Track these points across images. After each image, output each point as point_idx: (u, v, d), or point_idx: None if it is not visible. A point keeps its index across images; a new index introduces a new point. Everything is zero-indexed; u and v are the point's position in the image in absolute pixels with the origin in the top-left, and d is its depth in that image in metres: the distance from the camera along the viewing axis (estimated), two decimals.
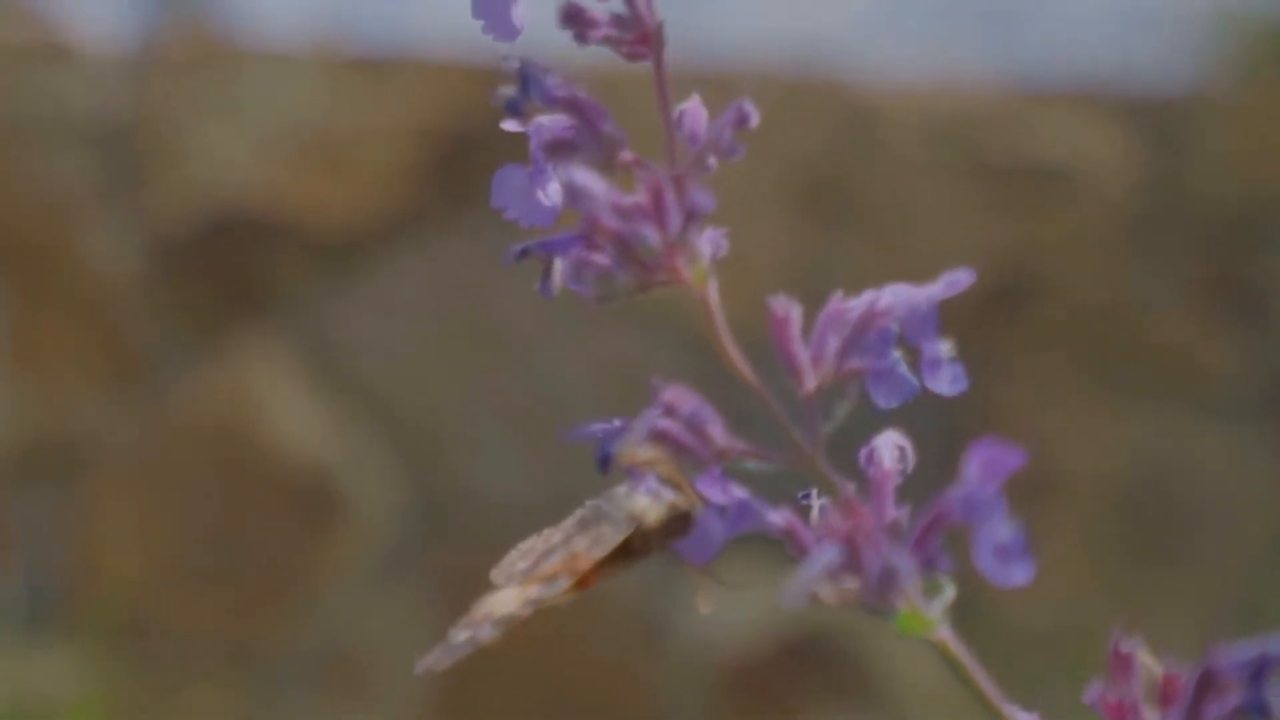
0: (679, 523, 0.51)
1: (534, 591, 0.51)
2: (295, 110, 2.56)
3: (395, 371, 2.54)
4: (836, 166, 2.60)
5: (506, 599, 0.51)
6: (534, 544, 0.53)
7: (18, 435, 2.49)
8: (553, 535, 0.53)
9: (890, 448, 0.52)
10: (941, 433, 2.51)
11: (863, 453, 0.52)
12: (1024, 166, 2.61)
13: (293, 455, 2.50)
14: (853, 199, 2.59)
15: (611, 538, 0.51)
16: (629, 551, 0.51)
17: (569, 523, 0.53)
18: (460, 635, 0.51)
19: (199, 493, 2.49)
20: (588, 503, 0.53)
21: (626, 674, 2.44)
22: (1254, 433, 2.60)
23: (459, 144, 2.56)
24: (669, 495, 0.51)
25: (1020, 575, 0.46)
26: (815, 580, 0.47)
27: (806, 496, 0.52)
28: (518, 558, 0.53)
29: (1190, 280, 2.61)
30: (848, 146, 2.60)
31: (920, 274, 2.22)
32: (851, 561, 0.48)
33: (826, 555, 0.47)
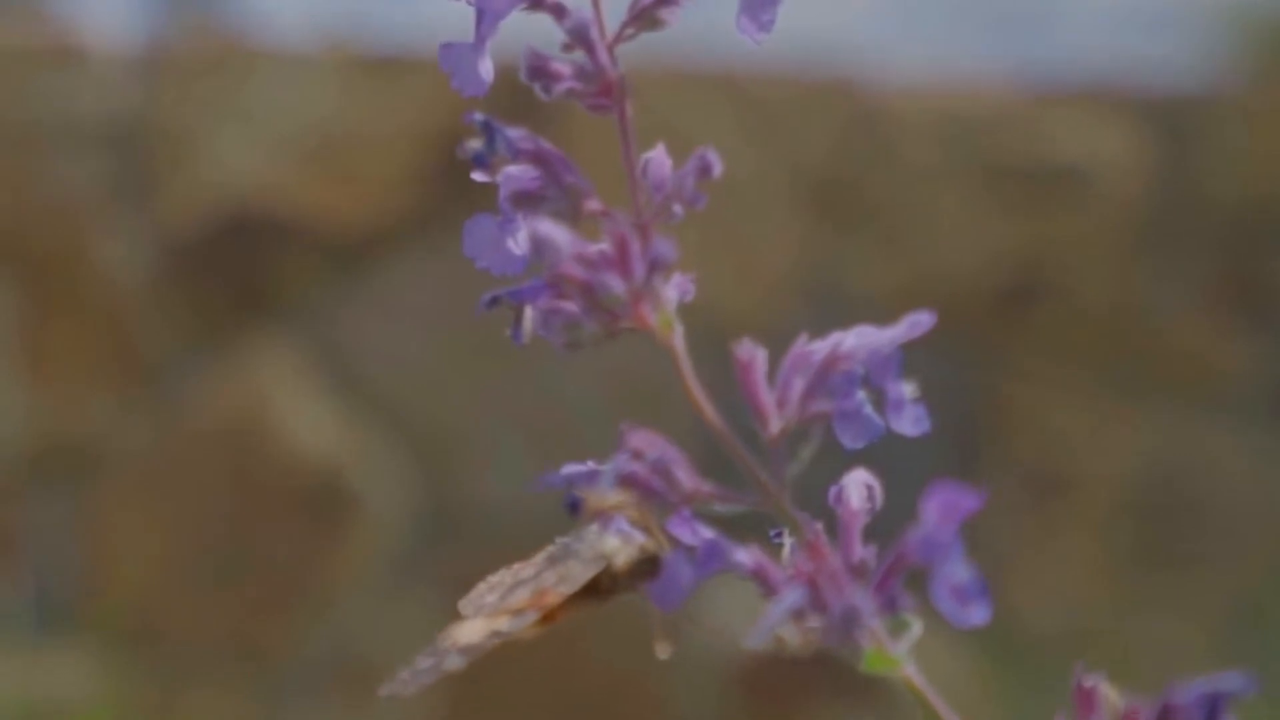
0: (647, 566, 0.51)
1: (501, 624, 0.52)
2: (306, 112, 2.57)
3: (406, 375, 2.54)
4: (847, 167, 2.60)
5: (473, 630, 0.52)
6: (503, 578, 0.54)
7: (29, 439, 2.50)
8: (522, 571, 0.54)
9: (858, 487, 0.52)
10: (956, 433, 2.51)
11: (832, 492, 0.52)
12: (1036, 167, 2.61)
13: (303, 459, 2.51)
14: (863, 199, 2.59)
15: (580, 575, 0.51)
16: (596, 590, 0.52)
17: (539, 558, 0.54)
18: (425, 662, 0.52)
19: (209, 496, 2.50)
20: (558, 540, 0.54)
21: (636, 678, 2.45)
22: (1266, 435, 2.60)
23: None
24: (639, 538, 0.51)
25: (977, 616, 0.47)
26: (779, 623, 0.48)
27: (779, 535, 0.52)
28: (486, 591, 0.54)
29: (1203, 281, 2.61)
30: (858, 147, 2.60)
31: (931, 273, 2.22)
32: (815, 603, 0.49)
33: (789, 599, 0.48)
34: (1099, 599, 2.55)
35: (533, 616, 0.52)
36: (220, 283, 2.54)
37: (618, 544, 0.51)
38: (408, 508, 2.51)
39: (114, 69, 2.56)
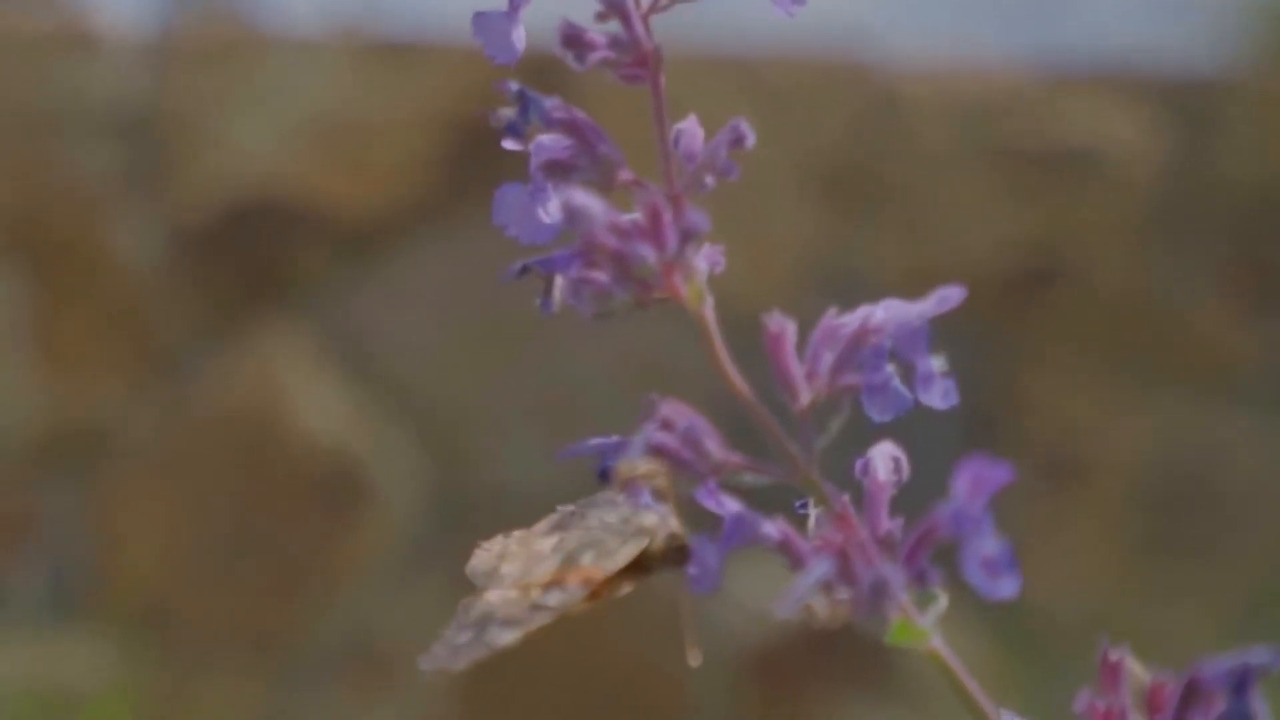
0: (677, 553, 0.51)
1: (539, 596, 0.51)
2: (318, 98, 2.57)
3: (419, 360, 2.55)
4: (861, 151, 2.60)
5: (508, 602, 0.52)
6: (505, 546, 0.54)
7: (42, 425, 2.50)
8: (532, 541, 0.53)
9: (885, 459, 0.52)
10: (969, 419, 2.51)
11: (858, 464, 0.53)
12: (1050, 151, 2.60)
13: (316, 444, 2.51)
14: (877, 183, 2.59)
15: (621, 551, 0.51)
16: (638, 568, 0.52)
17: (540, 526, 0.54)
18: (461, 636, 0.51)
19: (222, 482, 2.50)
20: (559, 508, 0.54)
21: (651, 664, 2.45)
22: None
23: (482, 132, 2.56)
24: (673, 522, 0.51)
25: (1007, 588, 0.47)
26: (808, 593, 0.48)
27: (804, 506, 0.52)
28: (496, 559, 0.53)
29: (1217, 265, 2.60)
30: (873, 131, 2.60)
31: (945, 259, 2.22)
32: (844, 574, 0.49)
33: (819, 569, 0.48)
34: (1112, 586, 2.55)
35: (580, 592, 0.51)
36: (233, 269, 2.55)
37: (656, 520, 0.51)
38: (421, 493, 2.52)
39: (126, 56, 2.56)
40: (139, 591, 2.48)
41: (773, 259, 2.51)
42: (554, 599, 0.51)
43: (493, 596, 0.52)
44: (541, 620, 0.52)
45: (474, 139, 2.56)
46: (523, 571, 0.53)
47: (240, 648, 2.47)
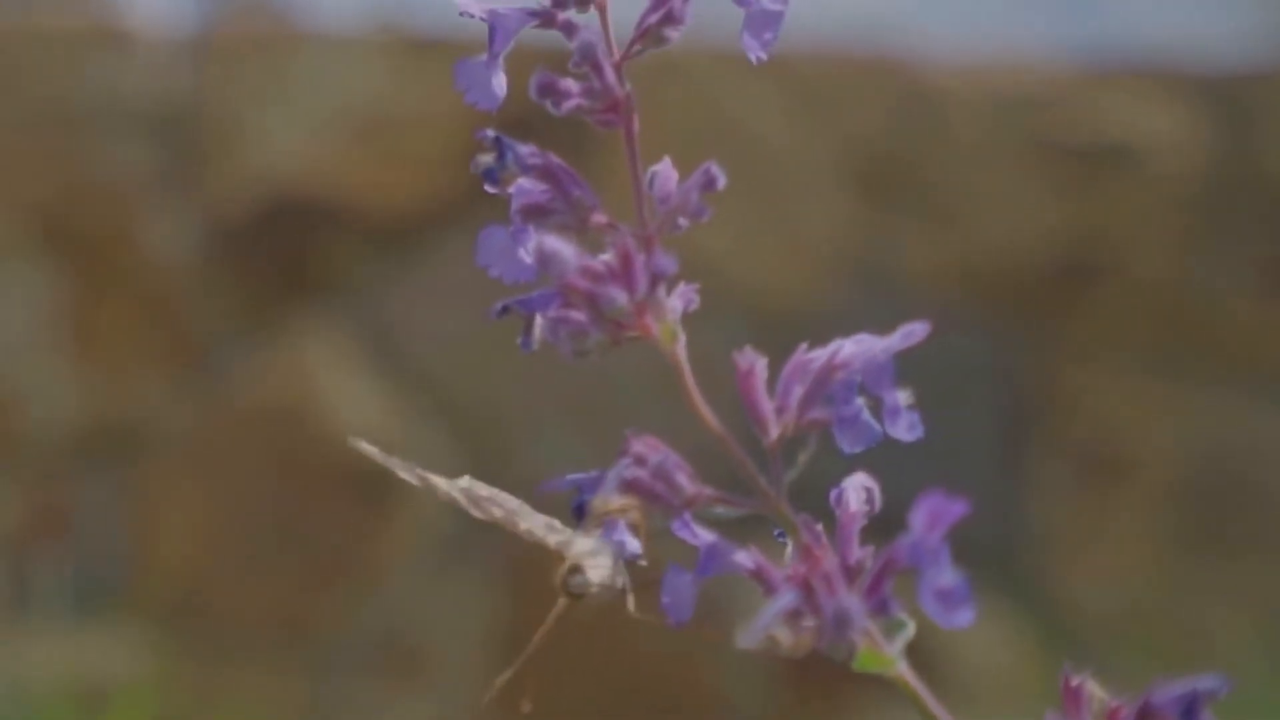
0: (573, 582, 0.53)
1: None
2: (352, 95, 2.58)
3: (452, 356, 2.56)
4: (898, 145, 2.59)
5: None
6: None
7: (78, 419, 2.52)
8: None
9: (857, 490, 0.54)
10: (1007, 414, 2.51)
11: (832, 494, 0.54)
12: (1089, 145, 2.59)
13: (349, 439, 2.52)
14: (914, 177, 2.59)
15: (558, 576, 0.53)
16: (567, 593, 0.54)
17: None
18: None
19: (256, 476, 2.52)
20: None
21: (686, 663, 2.46)
22: None
23: (516, 127, 2.56)
24: (606, 563, 0.53)
25: (961, 618, 0.49)
26: (771, 624, 0.49)
27: (783, 534, 0.54)
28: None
29: (1258, 260, 2.59)
30: (909, 125, 2.59)
31: (981, 253, 2.21)
32: (809, 605, 0.50)
33: (780, 601, 0.49)
34: (1151, 581, 2.54)
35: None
36: (267, 264, 2.56)
37: (589, 547, 0.53)
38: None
39: (162, 52, 2.57)
40: (173, 584, 2.50)
41: (809, 252, 2.51)
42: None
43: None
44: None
45: (508, 134, 2.56)
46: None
47: (273, 641, 2.49)
